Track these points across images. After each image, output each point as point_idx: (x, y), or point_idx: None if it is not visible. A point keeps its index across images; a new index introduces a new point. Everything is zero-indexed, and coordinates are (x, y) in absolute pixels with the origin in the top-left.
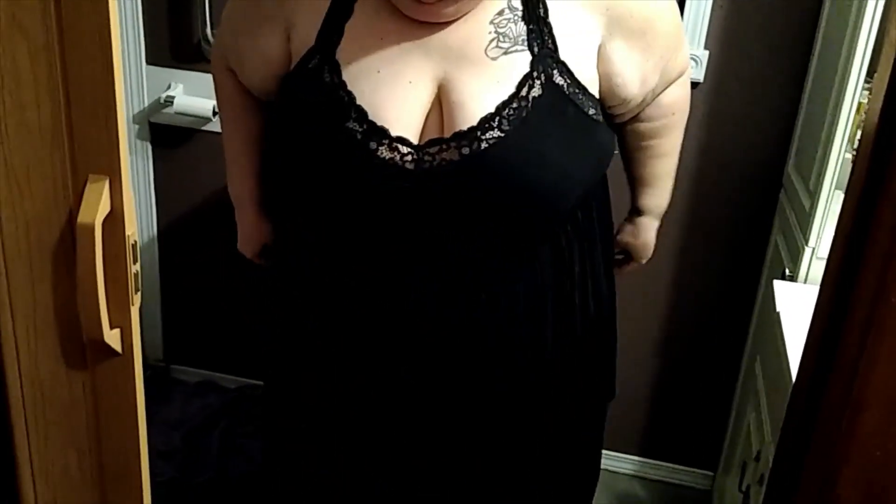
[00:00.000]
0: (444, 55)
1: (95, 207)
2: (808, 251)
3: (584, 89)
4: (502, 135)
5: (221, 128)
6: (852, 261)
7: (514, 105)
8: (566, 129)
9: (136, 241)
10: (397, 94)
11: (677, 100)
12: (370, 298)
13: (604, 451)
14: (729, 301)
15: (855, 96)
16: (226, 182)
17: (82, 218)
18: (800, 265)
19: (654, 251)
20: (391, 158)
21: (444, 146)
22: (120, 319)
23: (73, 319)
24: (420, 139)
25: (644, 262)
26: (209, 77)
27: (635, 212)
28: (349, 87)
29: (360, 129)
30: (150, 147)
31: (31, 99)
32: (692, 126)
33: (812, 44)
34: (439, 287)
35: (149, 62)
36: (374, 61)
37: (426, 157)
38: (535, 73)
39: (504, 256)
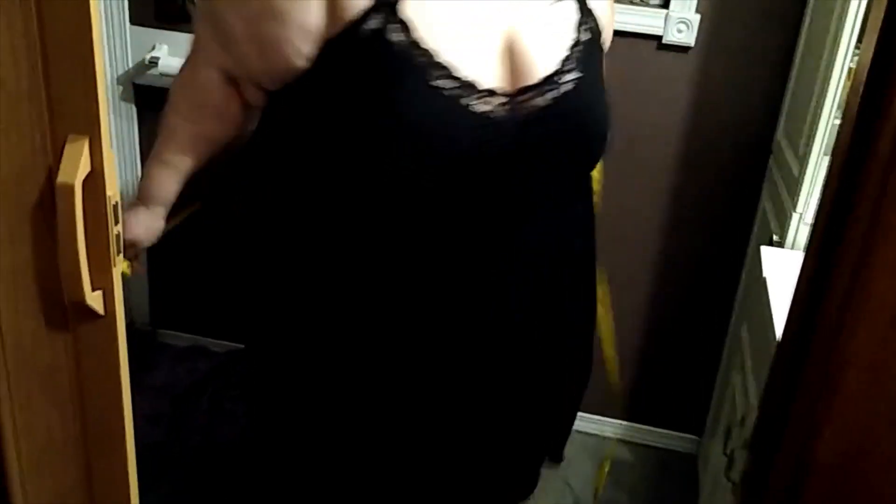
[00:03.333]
0: (506, 2)
1: (75, 167)
2: (795, 217)
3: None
4: (576, 77)
5: (165, 124)
6: (837, 225)
7: (579, 48)
8: (600, 71)
9: (117, 202)
10: (473, 45)
11: None
12: (448, 273)
13: (590, 416)
14: (717, 267)
15: (845, 62)
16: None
17: (62, 178)
18: (787, 231)
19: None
20: (484, 112)
21: (532, 94)
22: (102, 281)
23: (55, 281)
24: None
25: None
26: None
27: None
28: (424, 45)
29: (449, 87)
30: (134, 109)
31: (8, 57)
32: (682, 90)
33: (804, 9)
34: (529, 243)
35: (133, 23)
36: (443, 15)
37: (517, 107)
38: (584, 18)
39: (570, 202)
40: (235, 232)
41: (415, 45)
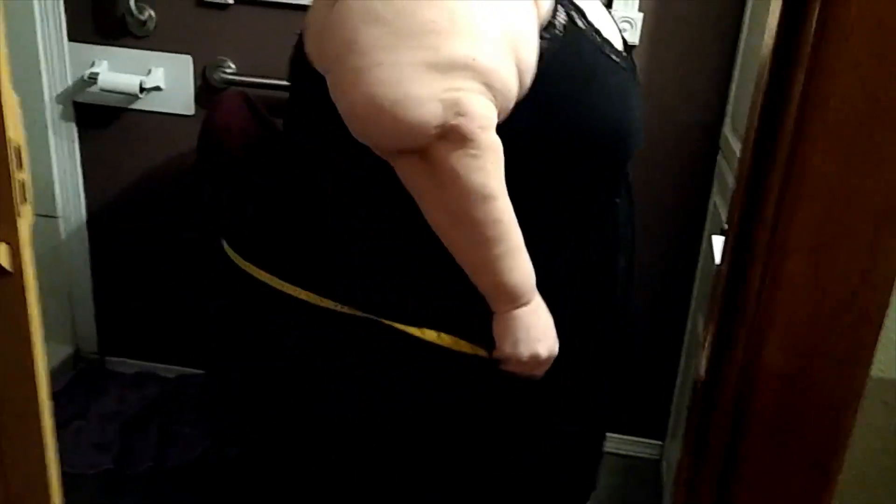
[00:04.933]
0: None
1: None
2: None
3: None
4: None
5: (497, 217)
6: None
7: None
8: None
9: (19, 146)
10: (603, 17)
11: None
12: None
13: None
14: (671, 267)
15: None
16: (156, 163)
17: None
18: None
19: None
20: (633, 79)
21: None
22: (5, 233)
23: None
24: None
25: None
26: (134, 53)
27: None
28: (595, 25)
29: (619, 60)
30: (75, 128)
31: None
32: None
33: (744, 2)
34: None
35: (71, 39)
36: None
37: (633, 74)
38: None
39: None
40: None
41: (591, 26)
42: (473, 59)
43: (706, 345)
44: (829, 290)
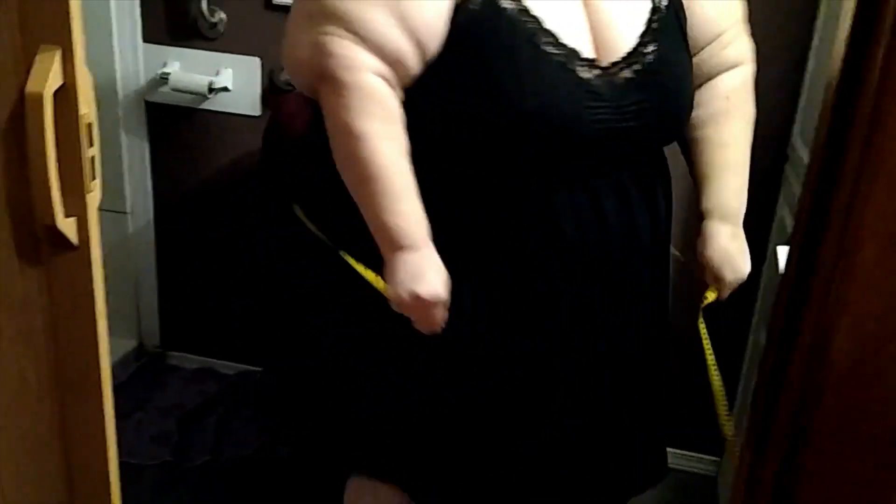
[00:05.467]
0: None
1: (45, 77)
2: None
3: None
4: (657, 48)
5: (366, 156)
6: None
7: (656, 18)
8: (681, 40)
9: (91, 122)
10: (566, 14)
11: (733, 88)
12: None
13: None
14: None
15: None
16: (223, 163)
17: (31, 87)
18: None
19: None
20: (587, 79)
21: (623, 65)
22: (75, 208)
23: (26, 208)
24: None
25: (730, 285)
26: (205, 54)
27: (700, 217)
28: (533, 12)
29: (556, 53)
30: (146, 127)
31: None
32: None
33: (817, 4)
34: (622, 215)
35: (145, 40)
36: None
37: (613, 77)
38: None
39: (653, 186)
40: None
41: (524, 11)
42: (344, 11)
43: (771, 331)
44: None
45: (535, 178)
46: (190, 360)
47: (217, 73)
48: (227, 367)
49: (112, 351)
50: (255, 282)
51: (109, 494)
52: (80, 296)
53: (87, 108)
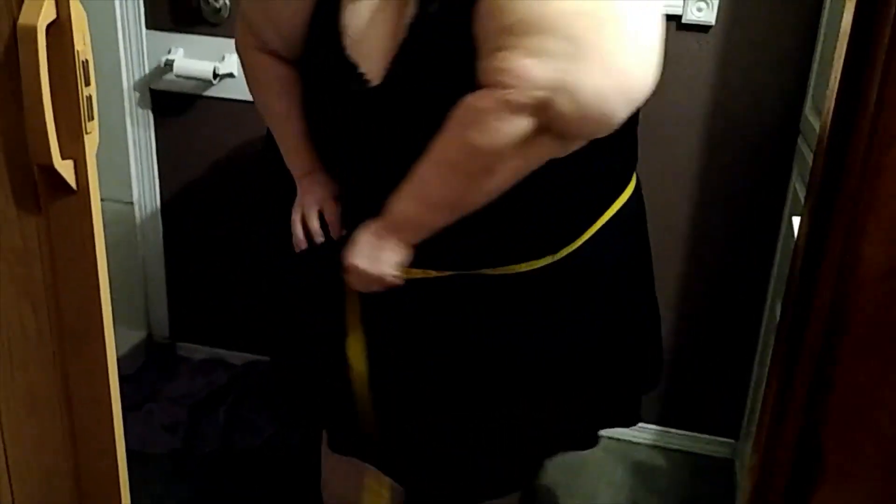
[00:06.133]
0: None
1: (37, 10)
2: None
3: None
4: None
5: (268, 115)
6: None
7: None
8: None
9: (87, 60)
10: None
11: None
12: None
13: None
14: (748, 256)
15: None
16: (230, 150)
17: (23, 20)
18: None
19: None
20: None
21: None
22: (73, 150)
23: (23, 150)
24: None
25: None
26: (209, 40)
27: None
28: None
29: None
30: (151, 115)
31: None
32: (703, 73)
33: None
34: None
35: (149, 27)
36: None
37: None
38: None
39: None
40: None
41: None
42: (243, 9)
43: (800, 241)
44: None
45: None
46: (199, 351)
47: (222, 59)
48: (236, 357)
49: (121, 343)
50: (262, 271)
51: (115, 445)
52: (80, 242)
53: (82, 45)
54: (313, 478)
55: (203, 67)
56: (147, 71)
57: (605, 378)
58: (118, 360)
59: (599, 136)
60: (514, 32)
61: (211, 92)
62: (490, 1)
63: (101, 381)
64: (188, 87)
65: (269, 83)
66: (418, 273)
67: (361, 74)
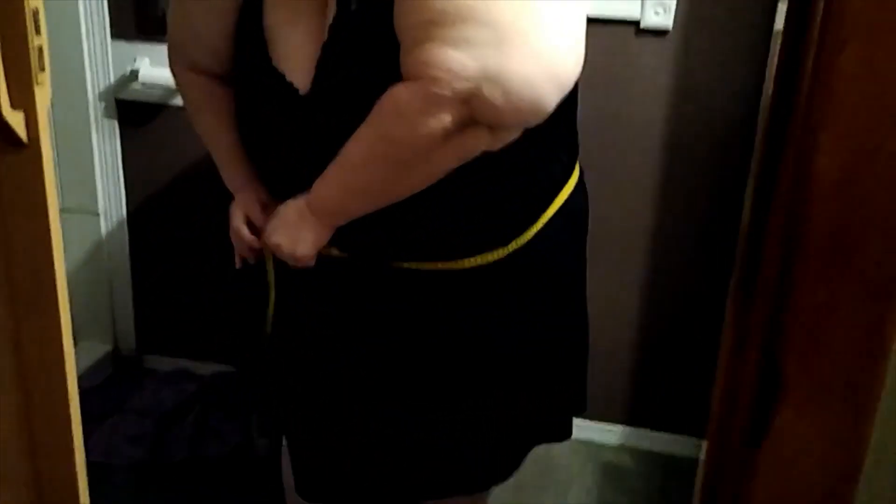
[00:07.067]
0: None
1: None
2: None
3: None
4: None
5: (200, 131)
6: None
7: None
8: None
9: (37, 9)
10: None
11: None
12: None
13: (588, 422)
14: (710, 256)
15: None
16: (196, 159)
17: None
18: None
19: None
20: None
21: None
22: (23, 101)
23: None
24: None
25: None
26: None
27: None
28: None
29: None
30: (117, 125)
31: None
32: (662, 77)
33: None
34: None
35: (114, 36)
36: None
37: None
38: None
39: None
40: None
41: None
42: (168, 29)
43: (755, 166)
44: (890, 82)
45: None
46: (166, 363)
47: None
48: (204, 367)
49: (87, 356)
50: (229, 281)
51: (70, 418)
52: (32, 197)
53: None
54: (280, 486)
55: (169, 76)
56: (112, 80)
57: (562, 369)
58: (83, 372)
59: (531, 124)
60: (436, 23)
61: (177, 101)
62: None
63: (55, 349)
64: (154, 96)
65: (199, 101)
66: (335, 252)
67: (290, 84)
